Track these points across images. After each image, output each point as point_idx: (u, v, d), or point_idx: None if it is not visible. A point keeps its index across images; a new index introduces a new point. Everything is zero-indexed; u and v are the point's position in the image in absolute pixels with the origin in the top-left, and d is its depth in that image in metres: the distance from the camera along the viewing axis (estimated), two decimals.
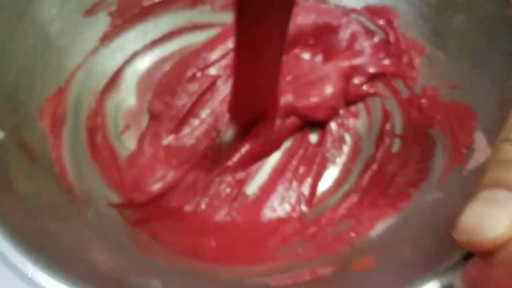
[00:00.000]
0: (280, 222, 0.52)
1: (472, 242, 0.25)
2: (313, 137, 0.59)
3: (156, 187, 0.53)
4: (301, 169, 0.56)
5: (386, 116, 0.56)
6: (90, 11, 0.57)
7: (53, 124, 0.51)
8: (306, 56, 0.61)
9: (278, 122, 0.55)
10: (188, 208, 0.53)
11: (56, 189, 0.46)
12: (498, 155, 0.26)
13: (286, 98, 0.56)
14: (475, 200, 0.26)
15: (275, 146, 0.57)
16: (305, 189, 0.55)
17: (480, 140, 0.44)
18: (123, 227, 0.49)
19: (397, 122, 0.55)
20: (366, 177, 0.53)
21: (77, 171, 0.51)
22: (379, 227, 0.47)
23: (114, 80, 0.60)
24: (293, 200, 0.54)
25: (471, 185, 0.35)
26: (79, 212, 0.47)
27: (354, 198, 0.52)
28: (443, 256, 0.34)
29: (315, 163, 0.56)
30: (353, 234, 0.47)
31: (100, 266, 0.40)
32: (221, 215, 0.53)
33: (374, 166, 0.54)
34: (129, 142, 0.58)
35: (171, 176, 0.54)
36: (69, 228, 0.43)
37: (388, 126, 0.55)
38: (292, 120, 0.57)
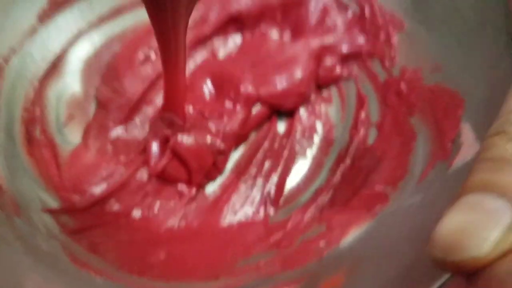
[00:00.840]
0: (242, 227, 0.46)
1: (450, 261, 0.19)
2: (281, 126, 0.53)
3: (100, 188, 0.47)
4: (267, 164, 0.50)
5: (361, 102, 0.50)
6: None
7: None
8: (273, 34, 0.54)
9: (241, 113, 0.48)
10: (136, 212, 0.46)
11: None
12: (489, 152, 0.21)
13: (250, 85, 0.49)
14: (457, 207, 0.20)
15: (241, 139, 0.51)
16: (271, 187, 0.49)
17: (467, 133, 0.38)
18: (59, 237, 0.43)
19: (373, 109, 0.49)
20: (339, 173, 0.47)
21: (9, 171, 0.45)
22: (352, 235, 0.41)
23: (55, 64, 0.52)
24: (257, 200, 0.48)
25: (458, 187, 0.28)
26: (6, 221, 0.40)
27: (325, 198, 0.46)
28: (425, 275, 0.29)
29: (283, 157, 0.50)
30: (322, 243, 0.41)
31: None
32: (175, 220, 0.46)
33: (348, 160, 0.48)
34: (73, 136, 0.50)
35: (118, 174, 0.48)
36: None
37: (363, 114, 0.49)
38: (258, 110, 0.50)
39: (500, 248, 0.19)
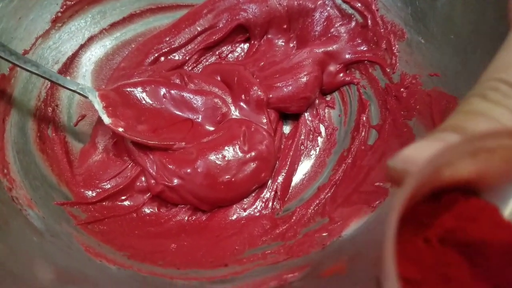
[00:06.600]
0: (250, 220, 0.50)
1: (407, 172, 0.23)
2: (287, 128, 0.57)
3: (110, 184, 0.50)
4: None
5: (363, 106, 0.54)
6: None
7: None
8: (279, 41, 0.58)
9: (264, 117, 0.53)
10: (146, 207, 0.49)
11: None
12: (465, 106, 0.25)
13: (259, 90, 0.53)
14: (426, 138, 0.24)
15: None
16: (279, 185, 0.52)
17: None
18: (72, 228, 0.46)
19: (374, 112, 0.53)
20: (341, 171, 0.51)
21: (21, 166, 0.47)
22: (353, 227, 0.44)
23: (67, 66, 0.56)
24: (265, 196, 0.51)
25: None
26: (20, 214, 0.43)
27: (327, 194, 0.50)
28: None
29: (289, 157, 0.54)
30: (325, 234, 0.45)
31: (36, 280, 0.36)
32: (184, 215, 0.50)
33: (349, 160, 0.51)
34: (84, 135, 0.54)
35: (126, 173, 0.51)
36: (7, 234, 0.39)
37: (364, 117, 0.53)
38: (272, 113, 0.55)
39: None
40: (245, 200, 0.51)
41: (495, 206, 0.24)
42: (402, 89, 0.50)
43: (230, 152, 0.49)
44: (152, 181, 0.49)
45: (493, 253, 0.22)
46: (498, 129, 0.23)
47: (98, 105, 0.49)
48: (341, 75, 0.56)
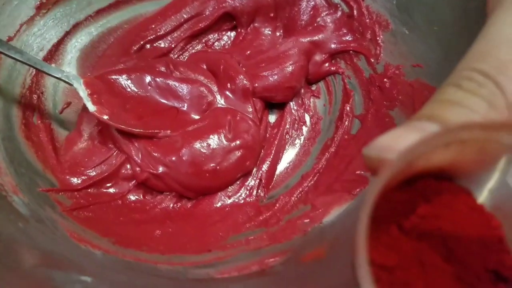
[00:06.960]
0: (234, 207, 0.51)
1: (381, 159, 0.23)
2: (272, 117, 0.58)
3: (96, 171, 0.51)
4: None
5: (347, 96, 0.55)
6: None
7: None
8: (266, 30, 0.58)
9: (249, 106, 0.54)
10: (132, 195, 0.50)
11: None
12: (441, 95, 0.26)
13: (245, 79, 0.53)
14: (402, 126, 0.25)
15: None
16: (263, 173, 0.53)
17: None
18: (57, 214, 0.46)
19: (358, 102, 0.54)
20: (324, 160, 0.53)
21: (7, 154, 0.48)
22: (333, 214, 0.46)
23: (52, 53, 0.56)
24: (249, 184, 0.53)
25: None
26: (5, 200, 0.44)
27: (310, 182, 0.52)
28: None
29: (274, 146, 0.55)
30: (306, 221, 0.46)
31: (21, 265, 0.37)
32: (170, 202, 0.51)
33: (332, 149, 0.53)
34: (69, 122, 0.55)
35: (112, 160, 0.52)
36: None
37: (348, 107, 0.54)
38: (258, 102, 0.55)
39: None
40: (230, 188, 0.52)
41: (468, 190, 0.25)
42: (385, 80, 0.51)
43: (215, 141, 0.50)
44: (137, 168, 0.50)
45: (466, 236, 0.23)
46: (470, 122, 0.24)
47: (83, 92, 0.50)
48: (327, 64, 0.57)
